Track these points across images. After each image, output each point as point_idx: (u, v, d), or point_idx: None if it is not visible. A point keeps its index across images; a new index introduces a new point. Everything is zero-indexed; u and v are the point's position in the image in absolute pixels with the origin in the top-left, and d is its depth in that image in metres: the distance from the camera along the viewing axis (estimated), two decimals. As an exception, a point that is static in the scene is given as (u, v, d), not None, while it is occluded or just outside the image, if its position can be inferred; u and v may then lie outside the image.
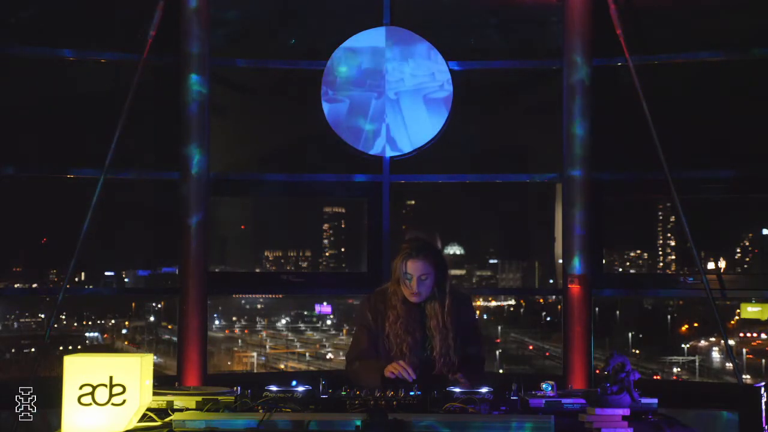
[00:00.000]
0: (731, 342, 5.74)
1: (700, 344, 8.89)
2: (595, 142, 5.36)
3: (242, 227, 7.56)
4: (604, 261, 5.61)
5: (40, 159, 5.43)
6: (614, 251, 7.40)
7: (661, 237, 7.66)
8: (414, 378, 3.32)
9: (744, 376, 5.28)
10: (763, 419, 3.20)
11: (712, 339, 8.85)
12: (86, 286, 6.62)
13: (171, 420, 2.89)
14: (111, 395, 2.84)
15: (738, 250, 7.54)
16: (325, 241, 8.58)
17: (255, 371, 10.15)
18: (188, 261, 5.25)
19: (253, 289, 6.71)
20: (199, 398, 3.00)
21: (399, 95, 5.55)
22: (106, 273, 6.79)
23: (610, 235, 5.75)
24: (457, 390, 3.07)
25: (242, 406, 2.92)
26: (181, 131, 5.30)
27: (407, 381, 3.29)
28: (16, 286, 6.29)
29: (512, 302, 9.29)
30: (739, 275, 6.62)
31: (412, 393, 2.94)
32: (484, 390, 3.03)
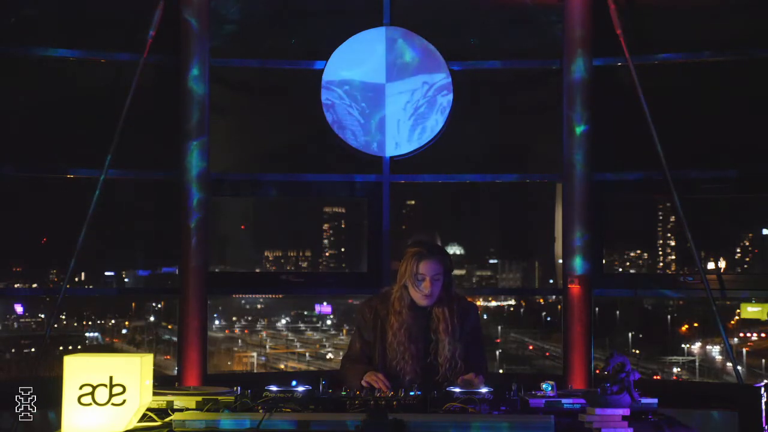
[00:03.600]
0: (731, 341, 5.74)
1: (693, 347, 8.89)
2: (595, 141, 5.36)
3: (242, 227, 7.56)
4: (604, 261, 5.61)
5: (40, 159, 5.43)
6: (614, 251, 7.39)
7: (661, 237, 7.65)
8: (390, 388, 3.27)
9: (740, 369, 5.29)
10: (763, 419, 3.20)
11: (700, 343, 8.85)
12: (86, 286, 6.61)
13: (171, 420, 2.89)
14: (111, 395, 2.84)
15: (738, 250, 7.53)
16: (325, 241, 8.57)
17: (255, 371, 10.14)
18: (188, 261, 5.25)
19: (253, 289, 6.70)
20: (199, 398, 3.01)
21: (399, 95, 5.55)
22: (106, 273, 6.78)
23: (610, 235, 5.75)
24: (457, 390, 3.07)
25: (242, 406, 2.92)
26: (181, 131, 5.31)
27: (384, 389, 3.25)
28: (16, 286, 6.29)
29: (512, 302, 9.27)
30: (739, 275, 6.61)
31: (412, 393, 2.94)
32: (484, 390, 3.03)
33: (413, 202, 7.18)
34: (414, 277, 3.49)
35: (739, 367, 5.19)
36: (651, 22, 5.54)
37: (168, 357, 7.94)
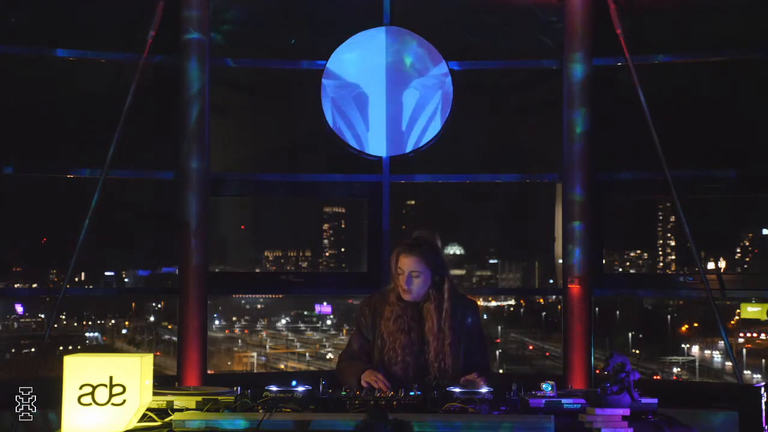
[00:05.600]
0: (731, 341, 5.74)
1: (693, 348, 8.89)
2: (595, 142, 5.36)
3: (242, 227, 7.56)
4: (604, 261, 5.61)
5: (40, 159, 5.43)
6: (614, 251, 7.39)
7: (661, 237, 7.65)
8: (390, 388, 3.25)
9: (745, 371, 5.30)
10: (763, 419, 3.20)
11: (698, 344, 8.86)
12: (86, 286, 6.61)
13: (171, 420, 2.89)
14: (111, 395, 2.84)
15: (738, 250, 7.53)
16: (325, 241, 8.57)
17: (255, 371, 10.14)
18: (188, 261, 5.25)
19: (253, 289, 6.71)
20: (199, 398, 3.01)
21: (399, 95, 5.55)
22: (106, 273, 6.78)
23: (610, 235, 5.75)
24: (457, 390, 3.07)
25: (242, 406, 2.92)
26: (181, 131, 5.30)
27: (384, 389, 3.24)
28: (16, 286, 6.29)
29: (512, 302, 9.27)
30: (739, 275, 6.62)
31: (412, 393, 2.94)
32: (484, 390, 3.03)
33: (413, 202, 7.18)
34: (395, 271, 3.55)
35: (745, 371, 5.19)
36: (651, 22, 5.54)
37: (159, 353, 7.94)
